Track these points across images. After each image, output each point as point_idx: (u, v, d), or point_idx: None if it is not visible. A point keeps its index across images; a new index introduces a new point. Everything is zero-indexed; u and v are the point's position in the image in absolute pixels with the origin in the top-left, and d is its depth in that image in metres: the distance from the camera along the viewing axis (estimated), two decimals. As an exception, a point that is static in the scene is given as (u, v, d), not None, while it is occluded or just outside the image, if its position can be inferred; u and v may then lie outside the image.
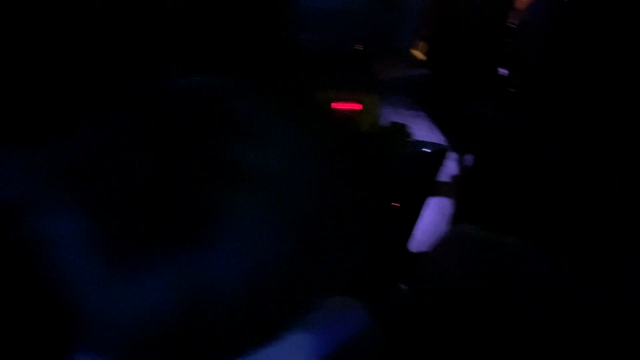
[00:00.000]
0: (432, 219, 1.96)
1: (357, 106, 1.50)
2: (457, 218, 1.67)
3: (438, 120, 2.74)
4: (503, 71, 3.20)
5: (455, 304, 0.63)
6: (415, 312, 0.91)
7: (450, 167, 1.94)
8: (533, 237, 0.63)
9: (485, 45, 3.20)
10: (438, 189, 1.74)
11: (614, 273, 0.56)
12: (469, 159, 1.88)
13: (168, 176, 0.26)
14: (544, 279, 0.57)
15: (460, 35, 3.26)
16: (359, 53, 2.86)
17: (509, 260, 0.61)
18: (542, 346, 0.53)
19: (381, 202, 1.72)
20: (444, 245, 0.72)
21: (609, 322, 0.52)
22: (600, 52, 0.98)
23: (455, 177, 1.83)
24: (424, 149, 1.69)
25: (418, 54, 4.15)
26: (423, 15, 3.89)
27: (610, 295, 0.54)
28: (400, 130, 1.66)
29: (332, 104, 1.59)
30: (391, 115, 2.62)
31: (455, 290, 0.69)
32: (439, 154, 1.68)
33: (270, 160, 0.29)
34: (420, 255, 1.44)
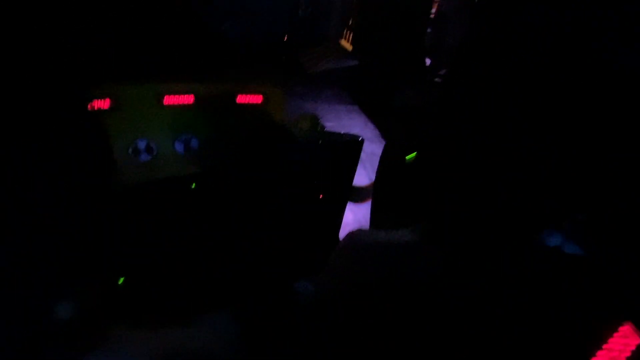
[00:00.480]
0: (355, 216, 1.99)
1: (258, 99, 1.44)
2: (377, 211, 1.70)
3: (370, 113, 2.78)
4: (428, 61, 3.34)
5: (346, 300, 0.65)
6: (312, 308, 0.91)
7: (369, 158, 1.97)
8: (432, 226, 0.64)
9: (409, 35, 3.32)
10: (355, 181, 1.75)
11: (494, 263, 0.58)
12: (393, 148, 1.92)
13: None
14: (427, 272, 0.58)
15: (385, 26, 3.36)
16: (282, 44, 2.85)
17: (395, 257, 0.62)
18: (432, 331, 0.52)
19: (299, 192, 1.71)
20: (340, 247, 0.76)
21: (491, 306, 0.53)
22: (508, 42, 1.01)
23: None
24: (335, 140, 1.68)
25: (346, 45, 4.22)
26: (348, 6, 3.97)
27: (489, 284, 0.55)
28: (310, 122, 1.65)
29: (237, 97, 1.52)
30: (327, 111, 2.62)
31: (347, 288, 0.70)
32: (352, 144, 1.68)
33: None
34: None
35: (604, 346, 0.41)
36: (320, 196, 1.80)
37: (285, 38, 3.55)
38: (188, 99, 1.36)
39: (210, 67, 1.59)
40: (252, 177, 1.49)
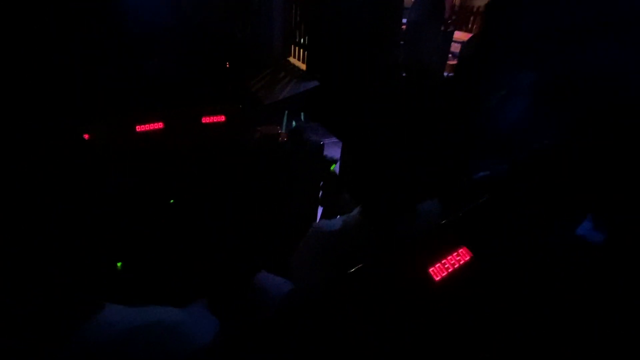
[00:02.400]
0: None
1: (221, 118, 1.63)
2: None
3: (332, 128, 2.80)
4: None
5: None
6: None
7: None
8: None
9: (379, 48, 3.07)
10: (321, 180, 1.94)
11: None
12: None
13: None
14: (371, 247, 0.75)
15: (350, 39, 3.15)
16: (225, 68, 2.99)
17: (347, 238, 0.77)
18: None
19: (269, 194, 1.88)
20: (304, 243, 0.89)
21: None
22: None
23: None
24: (297, 146, 1.87)
25: (297, 63, 4.16)
26: (291, 21, 3.99)
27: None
28: (273, 133, 1.83)
29: (202, 118, 1.70)
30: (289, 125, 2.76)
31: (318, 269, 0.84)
32: (314, 148, 1.87)
33: None
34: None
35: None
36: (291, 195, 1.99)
37: (227, 64, 3.34)
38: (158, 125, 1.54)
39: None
40: (225, 185, 1.67)
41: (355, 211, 0.80)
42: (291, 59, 4.52)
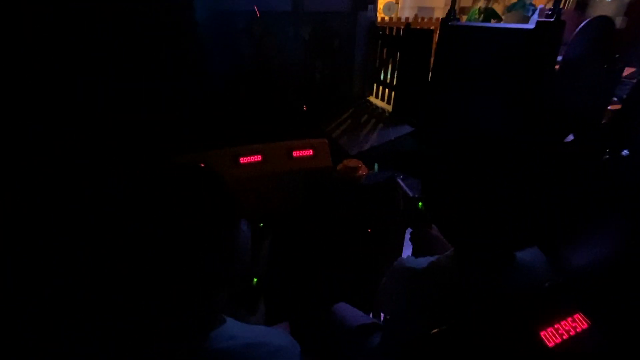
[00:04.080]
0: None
1: (309, 152, 1.78)
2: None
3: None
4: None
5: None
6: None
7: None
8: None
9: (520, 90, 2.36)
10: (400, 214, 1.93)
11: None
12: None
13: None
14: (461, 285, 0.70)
15: (466, 83, 2.81)
16: (302, 115, 3.15)
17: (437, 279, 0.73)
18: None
19: (354, 228, 1.93)
20: (386, 277, 0.84)
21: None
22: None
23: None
24: (376, 180, 1.92)
25: (379, 103, 3.98)
26: (378, 61, 3.84)
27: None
28: (353, 167, 1.92)
29: (293, 152, 1.88)
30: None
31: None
32: (389, 181, 1.89)
33: None
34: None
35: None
36: (369, 230, 2.01)
37: (305, 108, 3.48)
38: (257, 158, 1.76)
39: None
40: (310, 216, 1.79)
41: (448, 252, 0.76)
42: (371, 98, 4.37)
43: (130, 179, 0.51)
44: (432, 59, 3.23)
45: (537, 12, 4.76)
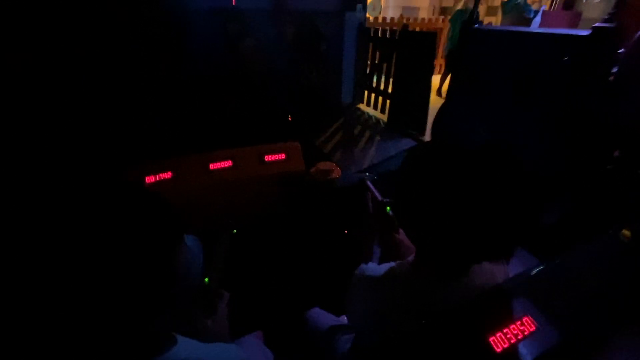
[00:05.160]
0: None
1: (281, 156, 1.76)
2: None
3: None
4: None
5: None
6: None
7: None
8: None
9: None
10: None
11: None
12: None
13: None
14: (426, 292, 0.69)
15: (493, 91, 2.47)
16: (286, 125, 3.01)
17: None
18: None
19: (329, 230, 1.93)
20: (350, 286, 0.84)
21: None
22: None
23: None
24: (350, 181, 1.92)
25: (372, 111, 3.63)
26: (369, 66, 3.45)
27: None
28: (327, 169, 1.92)
29: (265, 157, 1.86)
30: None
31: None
32: (360, 184, 1.89)
33: None
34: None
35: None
36: (345, 231, 2.02)
37: (290, 118, 3.14)
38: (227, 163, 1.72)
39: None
40: (283, 219, 1.77)
41: (410, 258, 0.76)
42: (362, 106, 4.03)
43: (58, 194, 0.48)
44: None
45: (539, 14, 4.54)
